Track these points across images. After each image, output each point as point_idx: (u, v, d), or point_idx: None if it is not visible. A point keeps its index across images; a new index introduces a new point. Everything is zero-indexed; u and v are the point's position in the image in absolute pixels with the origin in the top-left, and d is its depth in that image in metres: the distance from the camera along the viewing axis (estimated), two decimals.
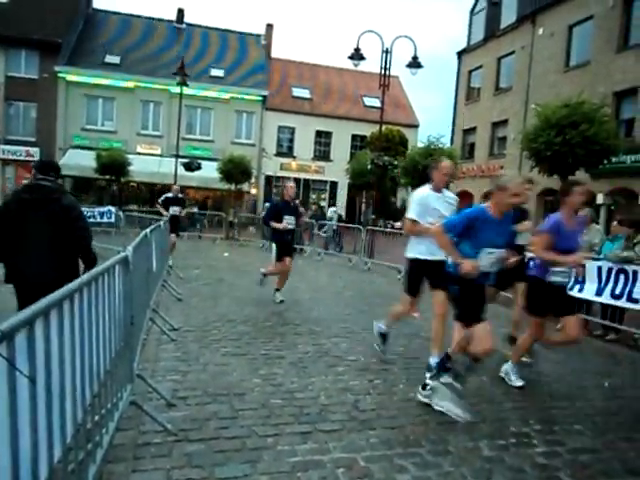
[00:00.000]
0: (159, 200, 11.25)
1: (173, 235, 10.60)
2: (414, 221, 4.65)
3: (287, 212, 7.69)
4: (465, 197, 27.59)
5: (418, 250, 4.67)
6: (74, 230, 3.75)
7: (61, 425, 1.93)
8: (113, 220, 17.80)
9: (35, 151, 26.86)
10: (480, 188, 26.14)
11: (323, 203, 31.42)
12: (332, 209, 20.62)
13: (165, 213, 10.75)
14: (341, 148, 31.49)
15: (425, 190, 4.75)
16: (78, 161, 24.14)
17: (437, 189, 4.71)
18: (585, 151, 9.19)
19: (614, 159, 10.20)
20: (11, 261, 3.68)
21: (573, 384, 4.75)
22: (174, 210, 10.83)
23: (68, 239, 3.72)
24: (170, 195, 11.20)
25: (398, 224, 28.10)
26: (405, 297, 4.93)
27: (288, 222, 7.59)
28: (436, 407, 3.89)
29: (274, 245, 7.88)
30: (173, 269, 9.54)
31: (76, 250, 3.82)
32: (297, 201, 8.52)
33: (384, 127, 18.62)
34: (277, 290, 7.81)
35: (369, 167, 17.39)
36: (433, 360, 4.43)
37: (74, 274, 3.78)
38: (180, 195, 11.57)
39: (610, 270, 6.68)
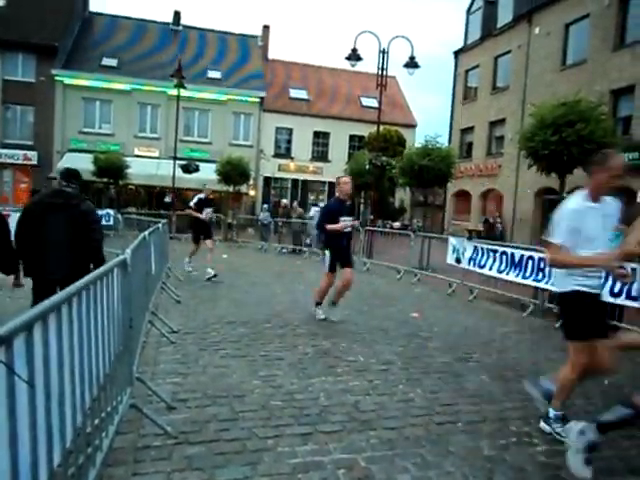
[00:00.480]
0: (191, 204, 10.40)
1: (210, 241, 10.23)
2: (560, 247, 3.30)
3: (344, 212, 6.61)
4: (462, 196, 27.67)
5: (581, 281, 3.33)
6: (89, 232, 4.18)
7: (61, 429, 1.93)
8: (112, 223, 17.80)
9: (33, 155, 26.85)
10: (478, 187, 26.21)
11: (321, 204, 31.43)
12: (315, 208, 20.77)
13: (202, 216, 10.10)
14: (339, 149, 31.52)
15: (578, 201, 3.34)
16: (76, 164, 24.01)
17: (594, 197, 3.32)
18: (581, 150, 9.20)
19: None
20: (32, 257, 4.09)
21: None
22: (207, 212, 10.20)
23: (83, 240, 4.14)
24: (203, 196, 10.42)
25: (397, 224, 28.14)
26: (594, 344, 3.34)
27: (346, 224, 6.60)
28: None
29: (328, 252, 6.72)
30: (172, 271, 9.52)
31: (88, 250, 4.19)
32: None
33: (382, 127, 18.63)
34: (318, 304, 6.83)
35: (367, 167, 17.39)
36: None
37: (86, 272, 3.93)
38: (211, 196, 10.90)
39: None
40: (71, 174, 4.32)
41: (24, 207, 4.31)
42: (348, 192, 6.74)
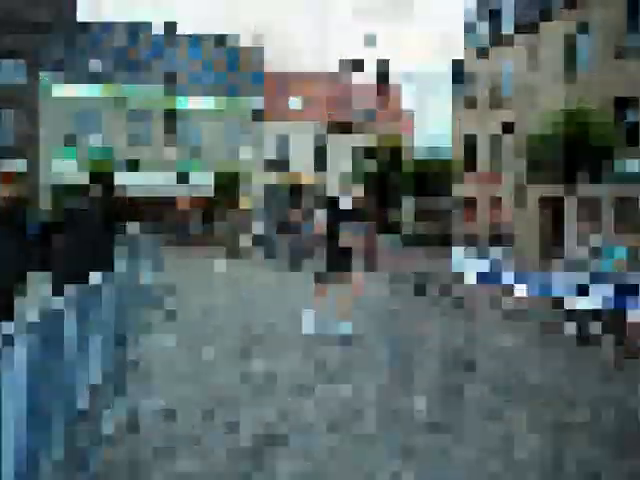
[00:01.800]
0: (318, 213, 6.62)
1: (359, 274, 6.36)
2: None
3: None
4: (467, 205, 27.61)
5: None
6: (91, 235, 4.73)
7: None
8: None
9: (21, 162, 26.76)
10: (482, 195, 26.15)
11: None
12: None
13: (342, 240, 6.25)
14: (338, 158, 31.51)
15: None
16: (64, 172, 23.95)
17: None
18: (585, 158, 9.16)
19: (615, 165, 10.13)
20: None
21: (570, 387, 4.72)
22: (344, 232, 6.31)
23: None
24: (346, 208, 6.41)
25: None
26: None
27: None
28: None
29: None
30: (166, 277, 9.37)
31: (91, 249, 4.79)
32: None
33: (383, 136, 18.60)
34: None
35: (368, 176, 17.33)
36: None
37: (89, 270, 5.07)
38: (349, 207, 6.80)
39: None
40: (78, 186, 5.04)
41: None
42: None
